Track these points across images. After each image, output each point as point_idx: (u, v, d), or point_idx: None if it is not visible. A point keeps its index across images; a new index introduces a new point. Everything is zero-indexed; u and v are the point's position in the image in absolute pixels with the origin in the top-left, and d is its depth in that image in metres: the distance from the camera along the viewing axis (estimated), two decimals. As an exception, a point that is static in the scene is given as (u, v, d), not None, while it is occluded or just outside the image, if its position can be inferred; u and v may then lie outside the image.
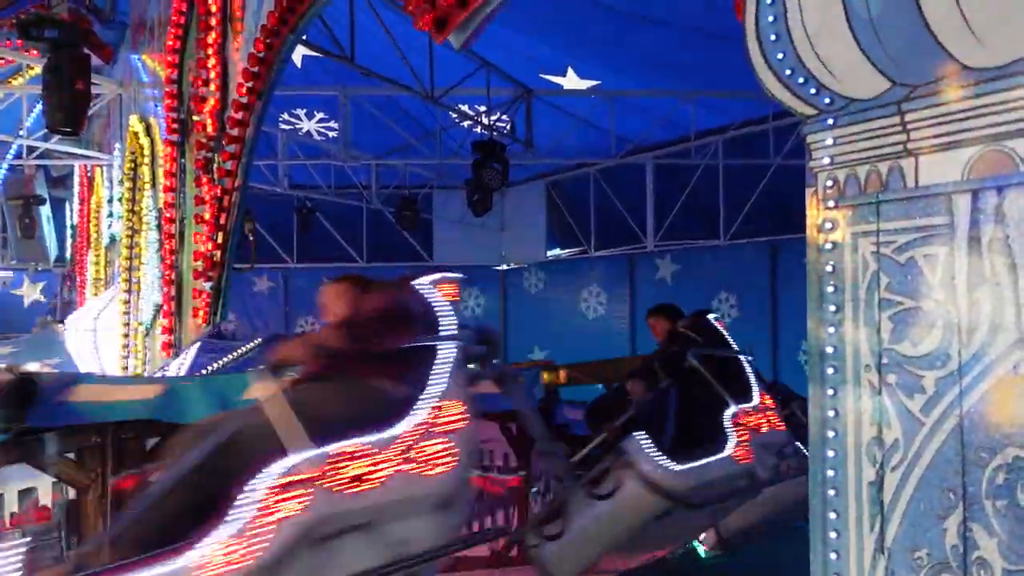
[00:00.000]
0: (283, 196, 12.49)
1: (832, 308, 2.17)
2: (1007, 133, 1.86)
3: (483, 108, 10.44)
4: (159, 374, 6.22)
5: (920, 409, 1.99)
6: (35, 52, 8.46)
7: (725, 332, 4.88)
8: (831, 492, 2.15)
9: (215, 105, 7.34)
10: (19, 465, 3.25)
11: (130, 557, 2.34)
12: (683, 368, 4.42)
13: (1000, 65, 1.84)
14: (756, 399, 4.58)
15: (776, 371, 9.43)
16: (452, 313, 3.03)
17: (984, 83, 1.88)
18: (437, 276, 3.10)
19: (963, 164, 1.94)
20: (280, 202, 12.79)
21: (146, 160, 9.20)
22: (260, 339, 5.70)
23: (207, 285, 7.23)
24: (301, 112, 11.38)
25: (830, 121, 2.18)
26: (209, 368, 5.47)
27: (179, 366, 5.92)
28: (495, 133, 10.33)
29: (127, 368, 9.43)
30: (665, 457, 3.89)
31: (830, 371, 2.17)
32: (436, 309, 3.02)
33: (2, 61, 10.53)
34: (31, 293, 15.29)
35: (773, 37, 2.18)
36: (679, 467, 3.91)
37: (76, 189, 14.24)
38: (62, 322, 11.31)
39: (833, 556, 2.13)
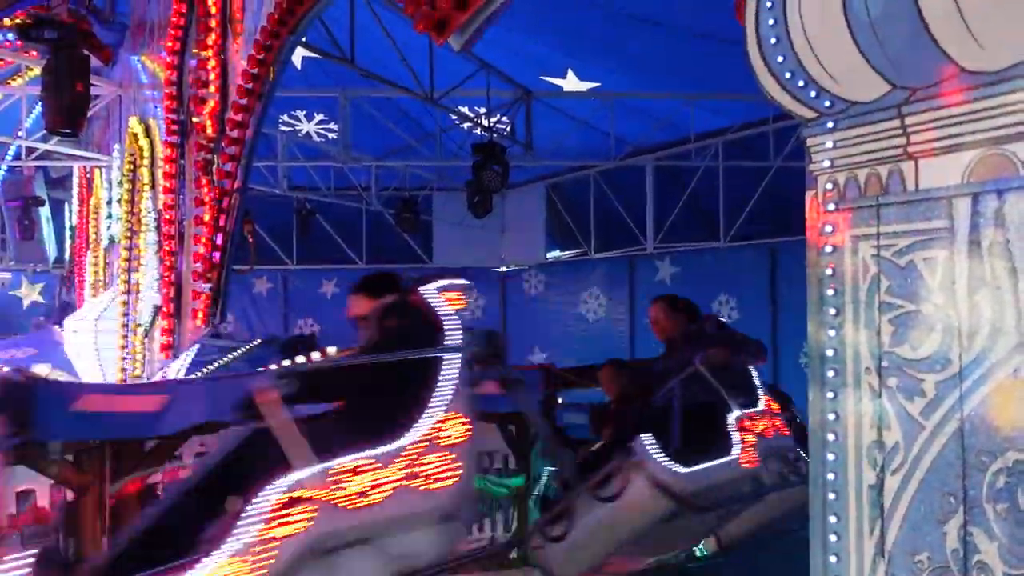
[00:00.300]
0: (283, 198, 12.46)
1: (832, 311, 2.16)
2: (1007, 136, 1.86)
3: (483, 110, 10.43)
4: (159, 376, 6.22)
5: (920, 412, 1.99)
6: (34, 53, 8.46)
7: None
8: (831, 495, 2.14)
9: (215, 107, 7.34)
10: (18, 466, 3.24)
11: (134, 574, 2.33)
12: (704, 388, 4.33)
13: (1001, 68, 1.84)
14: (762, 404, 4.59)
15: (776, 374, 9.42)
16: (458, 322, 2.97)
17: (984, 86, 1.87)
18: (443, 283, 3.03)
19: (963, 167, 1.93)
20: (280, 204, 12.75)
21: (145, 161, 9.20)
22: (258, 340, 5.70)
23: (206, 286, 7.22)
24: (301, 113, 11.38)
25: (830, 124, 2.17)
26: (208, 368, 5.47)
27: (178, 367, 5.92)
28: (495, 135, 10.31)
29: (125, 370, 9.42)
30: (672, 460, 3.90)
31: (830, 374, 2.16)
32: (442, 317, 2.96)
33: (1, 62, 10.51)
34: (30, 294, 15.26)
35: (773, 40, 2.18)
36: (687, 469, 3.92)
37: (75, 190, 14.20)
38: (59, 324, 11.29)
39: (833, 559, 2.12)
